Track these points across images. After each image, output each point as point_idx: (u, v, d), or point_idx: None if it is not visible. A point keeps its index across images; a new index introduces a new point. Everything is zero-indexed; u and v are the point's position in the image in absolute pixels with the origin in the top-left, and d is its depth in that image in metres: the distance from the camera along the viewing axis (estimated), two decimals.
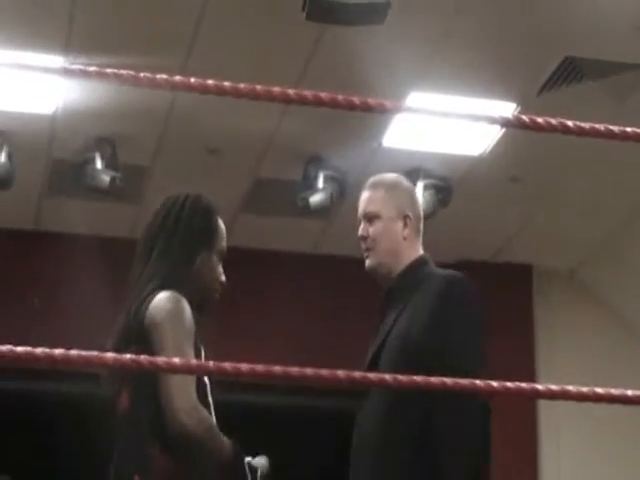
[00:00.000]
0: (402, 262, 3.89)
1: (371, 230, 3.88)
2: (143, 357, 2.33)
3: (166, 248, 3.45)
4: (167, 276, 3.43)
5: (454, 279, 3.86)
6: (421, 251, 3.94)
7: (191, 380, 3.23)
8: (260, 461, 3.49)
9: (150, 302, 3.28)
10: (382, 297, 3.97)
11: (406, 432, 3.67)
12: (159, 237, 3.48)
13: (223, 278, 3.53)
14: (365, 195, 3.93)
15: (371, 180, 4.00)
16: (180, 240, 3.46)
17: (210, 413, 3.33)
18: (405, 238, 3.88)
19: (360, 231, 3.87)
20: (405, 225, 3.88)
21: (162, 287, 3.34)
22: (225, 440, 3.30)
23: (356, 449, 3.84)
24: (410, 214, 3.90)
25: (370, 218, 3.87)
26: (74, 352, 1.75)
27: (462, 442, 3.59)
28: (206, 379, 3.37)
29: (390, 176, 4.19)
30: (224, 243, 3.58)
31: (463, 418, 3.55)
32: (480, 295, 3.92)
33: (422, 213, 4.04)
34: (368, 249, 3.89)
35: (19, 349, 1.69)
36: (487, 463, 3.70)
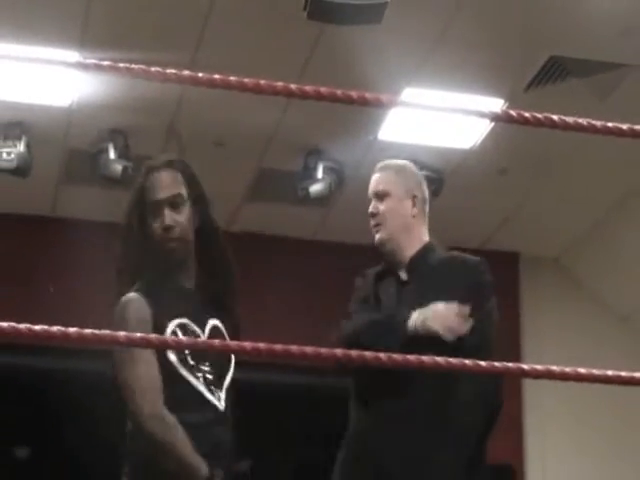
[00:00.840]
0: (413, 238, 3.96)
1: (381, 207, 3.91)
2: (153, 336, 2.45)
3: (123, 237, 3.43)
4: (127, 271, 3.43)
5: (485, 266, 3.98)
6: (427, 234, 4.03)
7: (153, 386, 3.21)
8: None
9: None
10: (393, 277, 3.99)
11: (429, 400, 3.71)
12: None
13: (166, 222, 3.29)
14: (375, 176, 3.97)
15: (380, 164, 4.06)
16: (127, 223, 3.42)
17: (187, 381, 3.26)
18: (414, 216, 3.93)
19: (370, 208, 3.90)
20: (414, 204, 3.92)
21: (129, 285, 3.34)
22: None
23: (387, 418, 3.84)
24: (418, 195, 3.94)
25: (380, 196, 3.90)
26: (88, 330, 1.76)
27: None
28: (172, 357, 3.27)
29: (398, 160, 4.24)
30: (155, 195, 3.36)
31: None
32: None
33: (427, 196, 4.07)
34: (378, 224, 3.91)
35: (37, 327, 1.72)
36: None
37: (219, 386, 3.35)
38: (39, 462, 10.01)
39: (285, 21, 6.22)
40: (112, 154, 7.48)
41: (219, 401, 3.31)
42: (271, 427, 10.00)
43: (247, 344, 1.94)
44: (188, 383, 3.25)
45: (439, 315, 3.68)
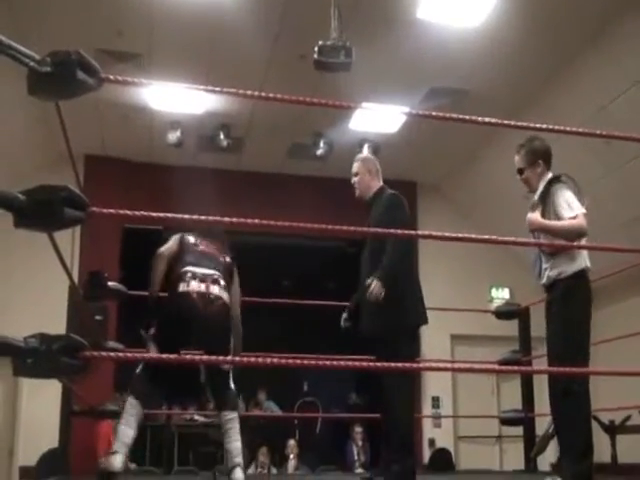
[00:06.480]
0: (371, 190, 4.90)
1: (356, 179, 4.94)
2: None
3: None
4: None
5: (395, 195, 4.79)
6: (381, 183, 4.93)
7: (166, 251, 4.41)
8: None
9: None
10: (366, 208, 4.92)
11: (379, 258, 4.55)
12: None
13: None
14: (354, 163, 5.01)
15: (356, 157, 5.09)
16: None
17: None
18: (370, 178, 4.91)
19: (352, 179, 4.96)
20: (370, 174, 4.91)
21: None
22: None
23: (362, 271, 4.78)
24: (372, 169, 4.93)
25: (355, 174, 4.96)
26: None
27: (400, 253, 4.53)
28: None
29: (363, 154, 5.56)
30: None
31: (401, 245, 4.50)
32: (404, 201, 4.78)
33: (379, 167, 4.99)
34: (355, 188, 4.94)
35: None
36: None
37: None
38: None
39: (311, 71, 6.56)
40: (222, 135, 9.54)
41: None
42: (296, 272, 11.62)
43: (284, 223, 3.19)
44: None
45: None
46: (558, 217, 4.20)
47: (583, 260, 4.27)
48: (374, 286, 4.37)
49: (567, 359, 3.96)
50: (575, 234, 4.09)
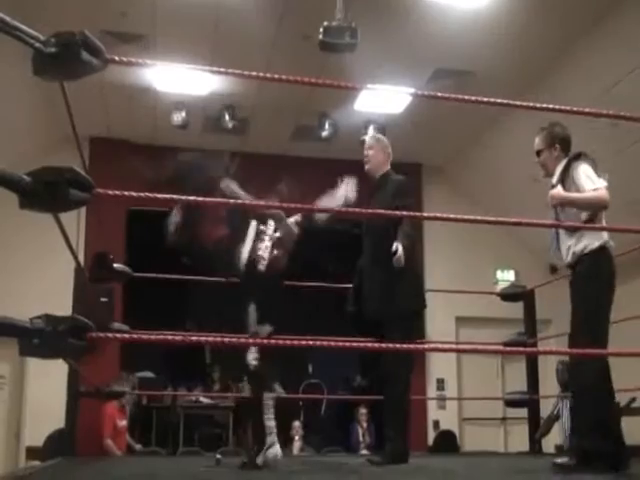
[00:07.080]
0: (381, 169, 4.97)
1: (370, 152, 5.00)
2: None
3: None
4: None
5: (404, 181, 4.91)
6: (389, 166, 5.00)
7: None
8: None
9: None
10: (372, 187, 4.98)
11: (381, 241, 4.68)
12: None
13: None
14: (367, 140, 5.12)
15: (370, 134, 5.73)
16: None
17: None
18: (383, 158, 4.99)
19: (365, 152, 5.01)
20: (383, 153, 4.99)
21: None
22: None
23: (365, 253, 4.93)
24: (385, 150, 5.00)
25: (369, 148, 5.02)
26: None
27: (410, 234, 4.62)
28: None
29: (378, 134, 5.51)
30: None
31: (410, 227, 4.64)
32: (411, 187, 5.14)
33: (390, 150, 5.05)
34: (367, 162, 4.97)
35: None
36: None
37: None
38: None
39: (316, 52, 6.74)
40: (227, 116, 9.65)
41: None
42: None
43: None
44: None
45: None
46: (579, 190, 4.17)
47: (605, 233, 4.23)
48: (400, 253, 4.41)
49: (582, 335, 3.93)
50: (597, 205, 4.08)
